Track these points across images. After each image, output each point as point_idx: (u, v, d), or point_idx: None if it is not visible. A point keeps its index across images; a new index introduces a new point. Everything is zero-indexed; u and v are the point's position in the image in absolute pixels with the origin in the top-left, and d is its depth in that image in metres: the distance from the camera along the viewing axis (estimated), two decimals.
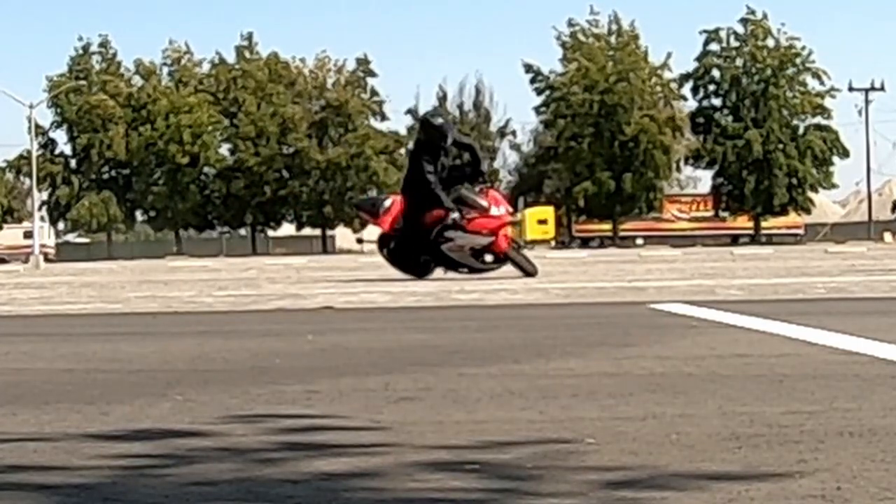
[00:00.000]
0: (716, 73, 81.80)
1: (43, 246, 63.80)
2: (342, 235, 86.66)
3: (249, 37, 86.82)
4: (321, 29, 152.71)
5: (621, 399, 4.70)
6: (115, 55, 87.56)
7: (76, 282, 22.29)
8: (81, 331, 9.35)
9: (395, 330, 8.67)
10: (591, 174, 78.42)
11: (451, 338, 7.74)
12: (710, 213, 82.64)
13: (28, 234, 69.81)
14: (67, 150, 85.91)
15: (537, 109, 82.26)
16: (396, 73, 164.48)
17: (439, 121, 18.27)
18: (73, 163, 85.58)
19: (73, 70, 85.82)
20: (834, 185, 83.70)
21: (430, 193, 17.49)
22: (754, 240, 77.26)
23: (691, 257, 31.43)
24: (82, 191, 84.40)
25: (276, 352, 6.92)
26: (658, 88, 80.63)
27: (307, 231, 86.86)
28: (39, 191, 75.90)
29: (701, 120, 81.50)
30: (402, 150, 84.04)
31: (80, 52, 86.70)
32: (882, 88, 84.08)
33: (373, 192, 79.03)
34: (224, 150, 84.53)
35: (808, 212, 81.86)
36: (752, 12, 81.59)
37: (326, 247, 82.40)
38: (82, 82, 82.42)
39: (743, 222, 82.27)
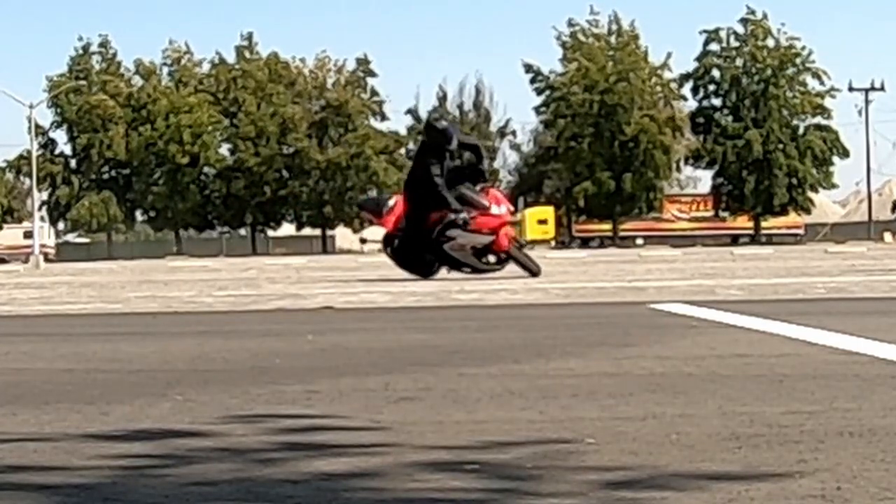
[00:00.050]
0: (716, 73, 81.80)
1: (43, 246, 63.81)
2: (342, 235, 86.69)
3: (249, 37, 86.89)
4: (321, 29, 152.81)
5: (621, 399, 4.70)
6: (115, 55, 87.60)
7: (76, 282, 22.29)
8: (81, 331, 9.35)
9: (395, 330, 8.67)
10: (591, 174, 78.42)
11: (451, 338, 7.74)
12: (710, 213, 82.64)
13: (28, 234, 69.82)
14: (67, 150, 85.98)
15: (537, 109, 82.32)
16: (396, 73, 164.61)
17: (443, 124, 18.35)
18: (73, 163, 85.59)
19: (73, 70, 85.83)
20: (834, 185, 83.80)
21: (437, 195, 17.54)
22: (754, 240, 77.25)
23: (691, 257, 31.43)
24: (82, 191, 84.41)
25: (276, 352, 6.92)
26: (658, 88, 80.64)
27: (307, 231, 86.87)
28: (39, 191, 75.91)
29: (701, 120, 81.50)
30: (402, 150, 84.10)
31: (80, 52, 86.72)
32: (882, 88, 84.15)
33: (373, 192, 79.03)
34: (224, 150, 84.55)
35: (808, 212, 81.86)
36: (752, 12, 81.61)
37: (326, 247, 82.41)
38: (82, 82, 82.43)
39: (743, 222, 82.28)
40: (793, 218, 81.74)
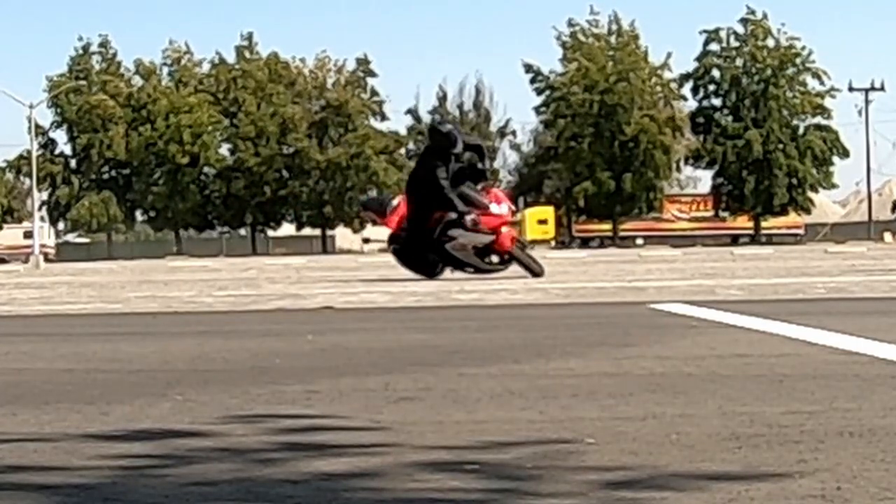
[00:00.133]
0: (716, 73, 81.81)
1: (43, 246, 63.81)
2: (342, 235, 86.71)
3: (249, 37, 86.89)
4: (321, 29, 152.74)
5: (621, 399, 4.70)
6: (115, 55, 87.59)
7: (76, 282, 22.29)
8: (81, 331, 9.35)
9: (395, 330, 8.67)
10: (591, 174, 78.42)
11: (451, 338, 7.74)
12: (710, 213, 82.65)
13: (28, 234, 69.82)
14: (67, 150, 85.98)
15: (537, 109, 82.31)
16: (396, 73, 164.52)
17: (447, 127, 18.41)
18: (73, 163, 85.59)
19: (73, 70, 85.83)
20: (834, 185, 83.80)
21: (444, 198, 17.58)
22: (754, 240, 77.25)
23: (691, 257, 31.44)
24: (82, 191, 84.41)
25: (276, 352, 6.92)
26: (658, 88, 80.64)
27: (307, 231, 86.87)
28: (39, 191, 75.90)
29: (701, 120, 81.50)
30: (402, 150, 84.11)
31: (80, 52, 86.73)
32: (882, 88, 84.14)
33: (373, 192, 79.06)
34: (224, 150, 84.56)
35: (808, 212, 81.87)
36: (752, 12, 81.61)
37: (326, 247, 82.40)
38: (82, 82, 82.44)
39: (743, 222, 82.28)
40: (793, 218, 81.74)
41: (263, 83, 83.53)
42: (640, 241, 75.28)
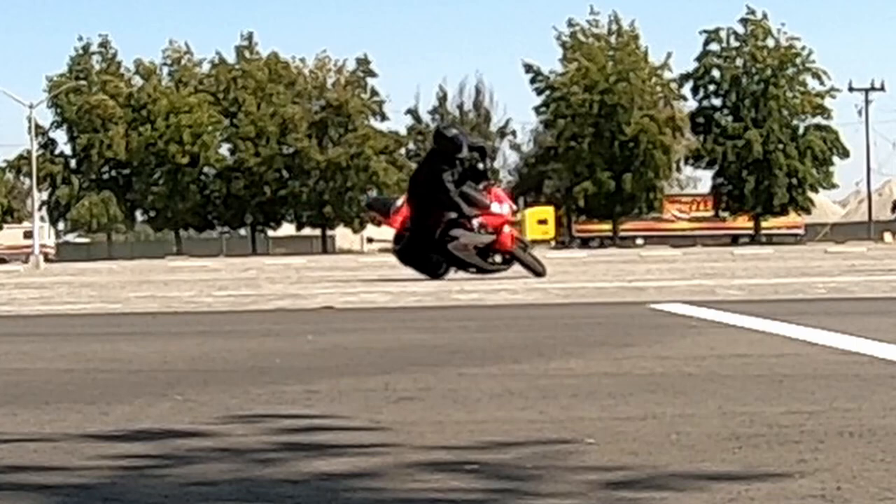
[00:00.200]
0: (716, 73, 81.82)
1: (43, 246, 63.81)
2: (342, 235, 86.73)
3: (249, 37, 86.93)
4: (321, 29, 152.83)
5: (621, 399, 4.70)
6: (115, 55, 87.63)
7: (76, 282, 22.29)
8: (81, 331, 9.35)
9: (395, 330, 8.67)
10: (591, 174, 78.44)
11: (451, 338, 7.74)
12: (710, 213, 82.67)
13: (28, 234, 69.84)
14: (67, 150, 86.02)
15: (537, 109, 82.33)
16: (396, 73, 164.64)
17: (453, 132, 18.38)
18: (73, 163, 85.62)
19: (73, 70, 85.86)
20: (834, 185, 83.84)
21: (451, 202, 17.60)
22: (754, 240, 77.26)
23: (691, 257, 31.44)
24: (82, 191, 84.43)
25: (276, 352, 6.92)
26: (658, 88, 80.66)
27: (307, 231, 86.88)
28: (39, 191, 75.91)
29: (701, 120, 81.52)
30: (402, 150, 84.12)
31: (80, 52, 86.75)
32: (882, 88, 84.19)
33: (373, 192, 79.12)
34: (224, 150, 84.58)
35: (808, 212, 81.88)
36: (752, 12, 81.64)
37: (326, 247, 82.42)
38: (82, 82, 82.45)
39: (743, 222, 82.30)
40: (793, 218, 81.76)
41: (263, 83, 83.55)
42: (640, 241, 75.30)
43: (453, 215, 17.68)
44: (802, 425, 3.97)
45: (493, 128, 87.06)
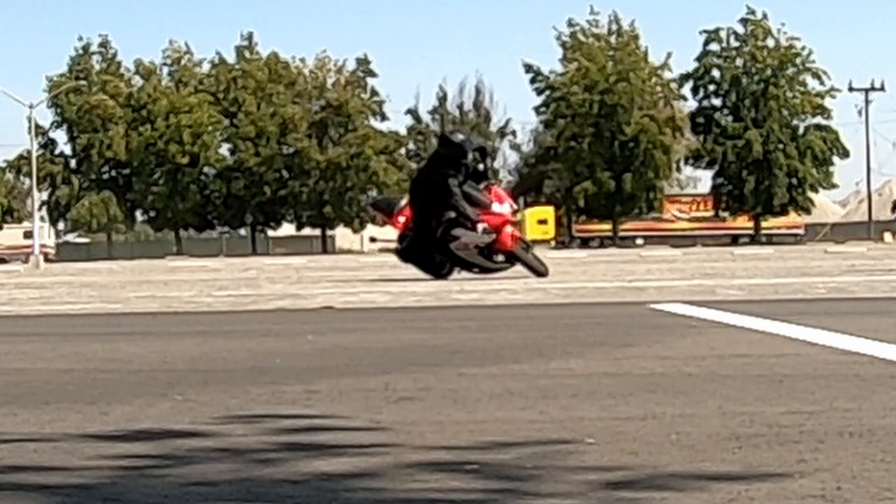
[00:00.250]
0: (716, 73, 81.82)
1: (43, 246, 63.82)
2: (342, 235, 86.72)
3: (249, 37, 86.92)
4: (321, 29, 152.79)
5: (621, 399, 4.70)
6: (115, 55, 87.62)
7: (76, 282, 22.30)
8: (81, 331, 9.35)
9: (395, 330, 8.67)
10: (591, 174, 78.43)
11: (451, 338, 7.74)
12: (710, 213, 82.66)
13: (28, 234, 69.85)
14: (67, 150, 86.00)
15: (537, 109, 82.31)
16: (396, 73, 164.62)
17: (459, 137, 18.36)
18: (73, 163, 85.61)
19: (73, 70, 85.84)
20: (834, 185, 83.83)
21: (455, 208, 17.59)
22: (754, 240, 77.25)
23: (691, 257, 31.45)
24: (82, 191, 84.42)
25: (276, 352, 6.92)
26: (658, 88, 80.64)
27: (307, 231, 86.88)
28: (39, 191, 75.91)
29: (701, 120, 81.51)
30: (402, 150, 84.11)
31: (80, 52, 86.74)
32: (882, 88, 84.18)
33: (373, 192, 79.19)
34: (224, 150, 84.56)
35: (808, 212, 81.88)
36: (752, 12, 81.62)
37: (326, 247, 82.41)
38: (82, 82, 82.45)
39: (743, 222, 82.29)
40: (793, 218, 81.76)
41: (263, 83, 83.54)
42: (640, 241, 75.30)
43: (452, 214, 17.68)
44: (802, 425, 3.97)
45: (493, 128, 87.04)
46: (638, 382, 5.18)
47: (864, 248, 38.37)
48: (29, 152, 70.90)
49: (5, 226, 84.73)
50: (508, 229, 17.98)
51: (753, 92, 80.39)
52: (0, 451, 3.81)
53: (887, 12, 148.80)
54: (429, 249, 17.89)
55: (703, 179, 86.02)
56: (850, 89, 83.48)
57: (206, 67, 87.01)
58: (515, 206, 19.03)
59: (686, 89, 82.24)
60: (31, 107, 68.96)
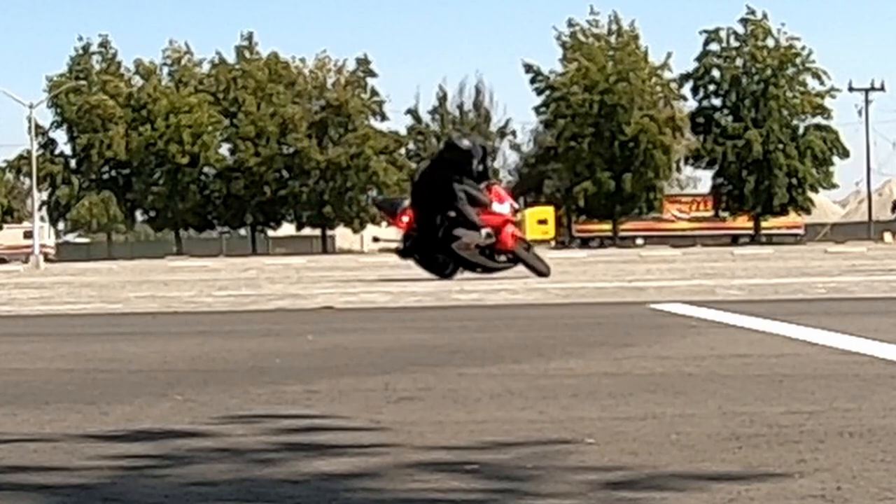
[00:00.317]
0: (716, 73, 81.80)
1: (43, 246, 63.81)
2: (342, 235, 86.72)
3: (249, 37, 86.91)
4: (321, 29, 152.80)
5: (621, 399, 4.70)
6: (115, 55, 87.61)
7: (76, 282, 22.30)
8: (81, 331, 9.35)
9: (395, 330, 8.67)
10: (591, 174, 78.43)
11: (451, 338, 7.74)
12: (710, 213, 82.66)
13: (28, 234, 69.85)
14: (67, 150, 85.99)
15: (537, 109, 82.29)
16: (396, 73, 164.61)
17: (466, 144, 18.31)
18: (73, 163, 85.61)
19: (73, 70, 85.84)
20: (834, 185, 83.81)
21: (460, 212, 17.60)
22: (754, 240, 77.25)
23: (691, 257, 31.45)
24: (82, 191, 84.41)
25: (276, 352, 6.92)
26: (658, 88, 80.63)
27: (307, 231, 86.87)
28: (39, 191, 75.90)
29: (701, 120, 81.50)
30: (402, 150, 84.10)
31: (80, 52, 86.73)
32: (882, 88, 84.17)
33: (373, 192, 79.23)
34: (224, 150, 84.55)
35: (808, 212, 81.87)
36: (752, 12, 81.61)
37: (326, 247, 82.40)
38: (82, 82, 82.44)
39: (743, 222, 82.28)
40: (793, 218, 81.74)
41: (263, 83, 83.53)
42: (640, 241, 75.30)
43: (452, 214, 17.67)
44: (802, 425, 3.97)
45: (493, 128, 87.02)
46: (638, 382, 5.18)
47: (864, 248, 38.37)
48: (29, 152, 70.90)
49: (5, 226, 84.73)
50: (509, 229, 17.97)
51: (753, 92, 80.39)
52: (0, 451, 3.81)
53: (887, 12, 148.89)
54: (431, 249, 17.89)
55: (703, 179, 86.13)
56: (850, 89, 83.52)
57: (206, 67, 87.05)
58: (516, 206, 19.03)
59: (686, 89, 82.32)
60: (31, 107, 69.00)
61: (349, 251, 76.93)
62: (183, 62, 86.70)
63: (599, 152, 78.53)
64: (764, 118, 79.85)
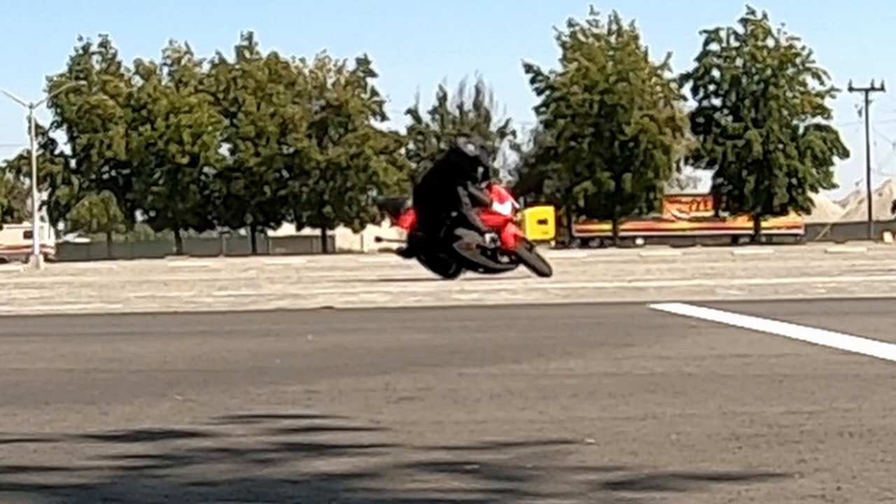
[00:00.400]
0: (716, 73, 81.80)
1: (43, 246, 63.81)
2: (342, 235, 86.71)
3: (249, 37, 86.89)
4: (321, 29, 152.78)
5: (621, 399, 4.70)
6: (115, 55, 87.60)
7: (76, 282, 22.30)
8: (81, 331, 9.35)
9: (395, 330, 8.67)
10: (591, 174, 78.42)
11: (451, 338, 7.74)
12: (710, 213, 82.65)
13: (28, 234, 69.84)
14: (67, 150, 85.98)
15: (537, 109, 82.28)
16: (396, 73, 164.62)
17: (472, 150, 18.24)
18: (73, 163, 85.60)
19: (73, 70, 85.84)
20: (834, 185, 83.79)
21: (463, 217, 17.60)
22: (754, 240, 77.25)
23: (691, 257, 31.45)
24: (82, 191, 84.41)
25: (276, 352, 6.92)
26: (658, 88, 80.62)
27: (307, 231, 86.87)
28: (39, 191, 75.89)
29: (701, 120, 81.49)
30: (402, 150, 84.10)
31: (80, 52, 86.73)
32: (882, 88, 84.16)
33: (373, 192, 79.23)
34: (224, 150, 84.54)
35: (808, 212, 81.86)
36: (752, 12, 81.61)
37: (326, 247, 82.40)
38: (82, 82, 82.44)
39: (743, 222, 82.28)
40: (793, 218, 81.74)
41: (263, 83, 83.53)
42: (640, 241, 75.29)
43: (453, 214, 17.67)
44: (802, 425, 3.97)
45: (493, 128, 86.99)
46: (638, 382, 5.18)
47: (864, 248, 38.37)
48: (29, 152, 70.89)
49: (5, 226, 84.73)
50: (510, 228, 17.96)
51: (753, 92, 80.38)
52: (0, 451, 3.81)
53: (887, 12, 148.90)
54: (434, 249, 17.89)
55: (703, 179, 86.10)
56: (850, 89, 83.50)
57: (206, 67, 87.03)
58: (517, 206, 19.03)
59: (686, 89, 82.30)
60: (31, 107, 68.99)
61: (349, 251, 76.93)
62: (183, 62, 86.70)
63: (599, 152, 78.53)
64: (764, 118, 79.85)
